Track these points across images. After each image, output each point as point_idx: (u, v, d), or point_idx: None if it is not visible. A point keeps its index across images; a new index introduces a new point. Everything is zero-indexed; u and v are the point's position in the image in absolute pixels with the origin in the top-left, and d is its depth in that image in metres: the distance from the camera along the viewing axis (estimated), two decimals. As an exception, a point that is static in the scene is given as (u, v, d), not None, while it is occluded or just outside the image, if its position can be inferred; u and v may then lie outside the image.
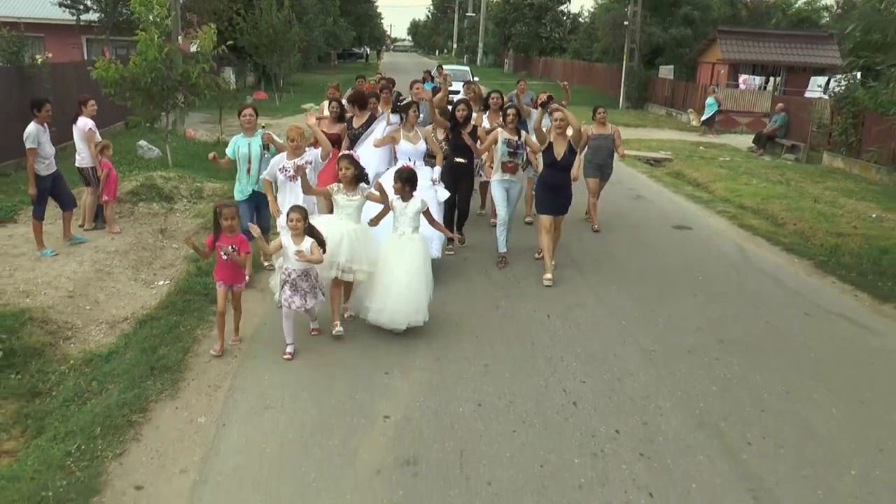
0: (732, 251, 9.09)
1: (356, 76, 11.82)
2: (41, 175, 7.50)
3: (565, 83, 9.82)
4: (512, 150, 7.52)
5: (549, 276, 7.33)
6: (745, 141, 19.97)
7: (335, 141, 8.03)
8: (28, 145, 7.36)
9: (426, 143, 7.56)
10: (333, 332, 5.79)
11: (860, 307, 7.18)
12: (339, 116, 8.24)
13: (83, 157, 8.37)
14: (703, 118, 22.23)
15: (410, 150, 7.47)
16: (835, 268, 8.35)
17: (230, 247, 5.32)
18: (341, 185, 5.77)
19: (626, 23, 28.17)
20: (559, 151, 7.23)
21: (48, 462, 4.10)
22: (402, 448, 4.35)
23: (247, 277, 6.99)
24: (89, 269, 7.23)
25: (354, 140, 8.15)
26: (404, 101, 8.26)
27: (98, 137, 8.46)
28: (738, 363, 5.70)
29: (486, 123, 8.64)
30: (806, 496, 4.01)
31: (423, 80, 12.28)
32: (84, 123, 8.35)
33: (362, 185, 5.88)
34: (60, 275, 6.99)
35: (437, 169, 7.43)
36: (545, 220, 7.41)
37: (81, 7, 20.77)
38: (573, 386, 5.20)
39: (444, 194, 7.34)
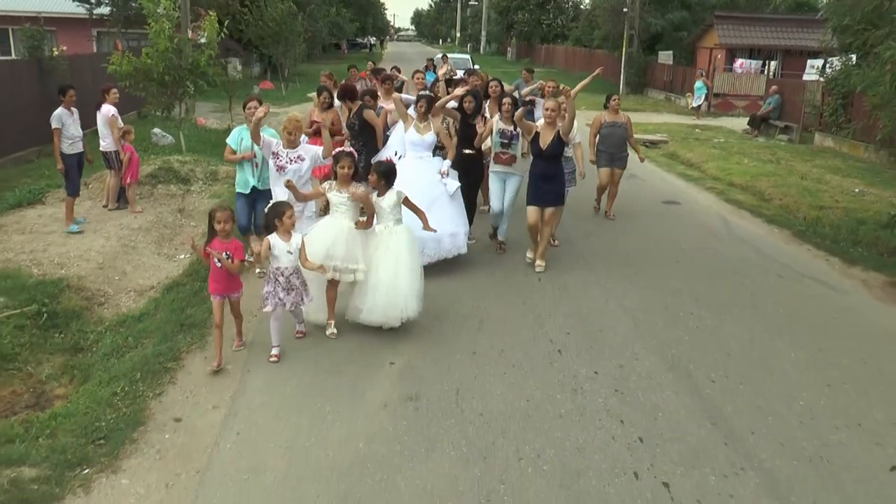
0: (717, 223, 9.63)
1: (348, 66, 12.21)
2: (67, 153, 8.16)
3: (601, 69, 9.48)
4: (506, 141, 7.37)
5: (540, 262, 7.35)
6: (741, 123, 20.39)
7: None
8: (53, 126, 8.11)
9: (438, 137, 7.49)
10: (327, 332, 5.73)
11: (830, 270, 7.73)
12: (329, 105, 8.66)
13: (107, 142, 8.96)
14: (694, 103, 22.68)
15: (417, 140, 7.42)
16: (812, 237, 8.90)
17: (224, 253, 5.06)
18: (333, 183, 5.69)
19: (625, 10, 28.57)
20: (545, 141, 7.10)
21: (98, 401, 4.71)
22: (406, 387, 4.94)
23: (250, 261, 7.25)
24: (116, 245, 7.83)
25: (350, 128, 8.38)
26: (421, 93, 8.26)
27: (120, 123, 9.05)
28: (711, 318, 6.27)
29: (486, 113, 8.51)
30: (757, 421, 4.59)
31: (426, 69, 12.79)
32: (107, 110, 8.93)
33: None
34: (90, 249, 7.60)
35: (447, 162, 7.38)
36: (530, 211, 7.22)
37: (94, 1, 21.35)
38: (559, 337, 5.79)
39: (454, 185, 7.27)
